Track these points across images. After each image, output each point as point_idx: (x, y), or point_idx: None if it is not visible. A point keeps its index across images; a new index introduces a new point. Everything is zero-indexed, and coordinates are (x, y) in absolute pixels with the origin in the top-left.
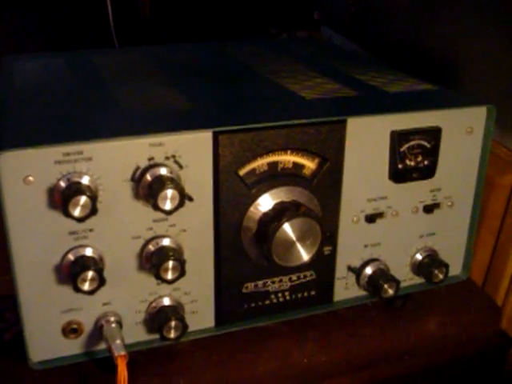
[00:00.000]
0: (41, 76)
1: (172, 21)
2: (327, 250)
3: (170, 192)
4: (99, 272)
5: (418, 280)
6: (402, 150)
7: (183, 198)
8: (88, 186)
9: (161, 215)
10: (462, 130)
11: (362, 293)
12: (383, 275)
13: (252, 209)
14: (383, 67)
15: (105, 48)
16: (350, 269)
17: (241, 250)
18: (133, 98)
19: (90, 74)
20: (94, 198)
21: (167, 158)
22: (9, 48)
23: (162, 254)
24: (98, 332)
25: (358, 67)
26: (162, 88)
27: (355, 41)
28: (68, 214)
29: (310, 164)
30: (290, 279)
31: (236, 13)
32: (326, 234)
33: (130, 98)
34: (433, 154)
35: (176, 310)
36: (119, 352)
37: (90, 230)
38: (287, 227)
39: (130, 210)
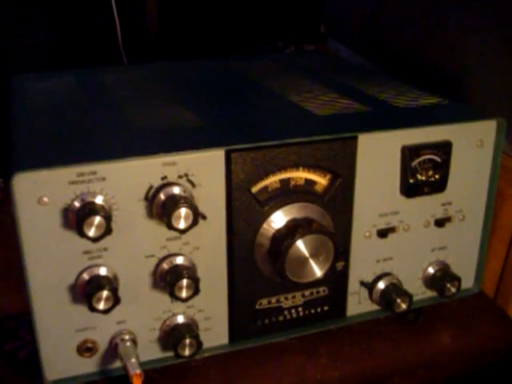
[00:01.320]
0: (51, 95)
1: (179, 36)
2: (340, 265)
3: (183, 211)
4: (114, 291)
5: (431, 293)
6: (413, 164)
7: (197, 216)
8: (102, 206)
9: (174, 234)
10: (473, 144)
11: (375, 307)
12: (396, 289)
13: (265, 226)
14: (391, 80)
15: (114, 65)
16: (362, 284)
17: (254, 266)
18: (144, 117)
19: (100, 92)
20: (108, 218)
21: (180, 177)
22: (17, 67)
23: (176, 272)
24: (112, 350)
25: (367, 81)
26: (172, 106)
27: (362, 54)
28: (83, 235)
29: (321, 180)
30: (303, 295)
31: (242, 27)
32: (339, 249)
33: (142, 116)
34: (444, 168)
35: (190, 328)
36: (135, 370)
37: (105, 250)
38: (300, 244)
39: (143, 229)
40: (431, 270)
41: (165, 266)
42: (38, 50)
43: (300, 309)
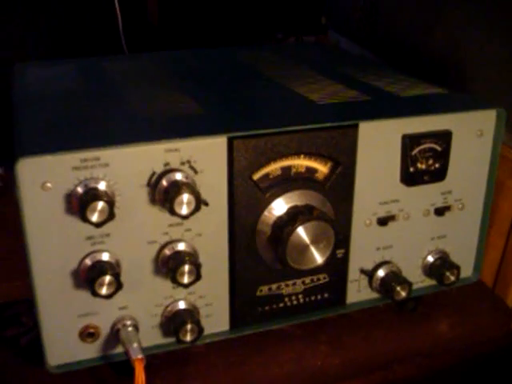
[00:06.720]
0: (54, 83)
1: (180, 27)
2: (340, 253)
3: (186, 197)
4: (116, 276)
5: (430, 282)
6: (413, 153)
7: (199, 202)
8: (105, 192)
9: (176, 220)
10: (473, 133)
11: (375, 295)
12: (395, 277)
13: (266, 213)
14: (392, 71)
15: (115, 54)
16: (362, 271)
17: (255, 253)
18: (147, 104)
19: (102, 81)
20: (111, 204)
21: (182, 164)
22: (19, 55)
23: (178, 258)
24: (114, 336)
25: (368, 71)
26: (174, 94)
27: (363, 45)
28: (86, 220)
29: (322, 168)
30: (304, 282)
31: (243, 18)
32: (339, 236)
33: (144, 104)
34: (443, 157)
35: (191, 314)
36: (136, 355)
37: (107, 235)
38: (301, 231)
39: (146, 215)
40: (430, 259)
41: (167, 251)
42: (39, 39)
43: (300, 296)
